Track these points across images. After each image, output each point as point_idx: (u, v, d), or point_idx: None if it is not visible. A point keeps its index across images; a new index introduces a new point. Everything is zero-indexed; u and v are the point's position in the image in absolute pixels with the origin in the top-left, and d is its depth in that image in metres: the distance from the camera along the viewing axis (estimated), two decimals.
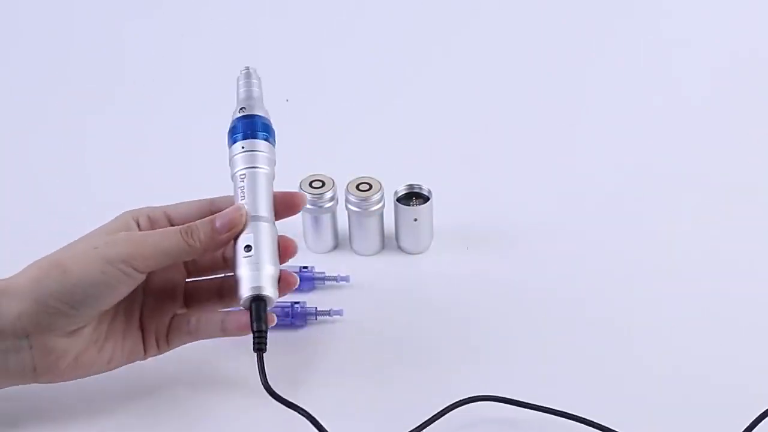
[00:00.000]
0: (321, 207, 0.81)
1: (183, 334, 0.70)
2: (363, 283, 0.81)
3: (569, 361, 0.74)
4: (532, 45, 1.12)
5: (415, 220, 0.82)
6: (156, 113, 1.02)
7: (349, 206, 0.82)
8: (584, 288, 0.80)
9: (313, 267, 0.80)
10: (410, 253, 0.84)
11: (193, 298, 0.71)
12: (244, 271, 0.66)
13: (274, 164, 0.72)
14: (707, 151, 0.96)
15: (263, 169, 0.70)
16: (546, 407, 0.68)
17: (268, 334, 0.68)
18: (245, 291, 0.66)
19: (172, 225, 0.68)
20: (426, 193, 0.82)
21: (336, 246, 0.85)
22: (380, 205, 0.82)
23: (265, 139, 0.72)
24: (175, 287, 0.70)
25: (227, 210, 0.67)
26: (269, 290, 0.66)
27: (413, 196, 0.83)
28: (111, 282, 0.63)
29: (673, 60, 1.09)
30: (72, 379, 0.67)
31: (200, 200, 0.70)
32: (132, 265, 0.63)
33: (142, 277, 0.65)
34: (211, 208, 0.69)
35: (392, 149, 0.97)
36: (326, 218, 0.83)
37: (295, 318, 0.77)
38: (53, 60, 1.11)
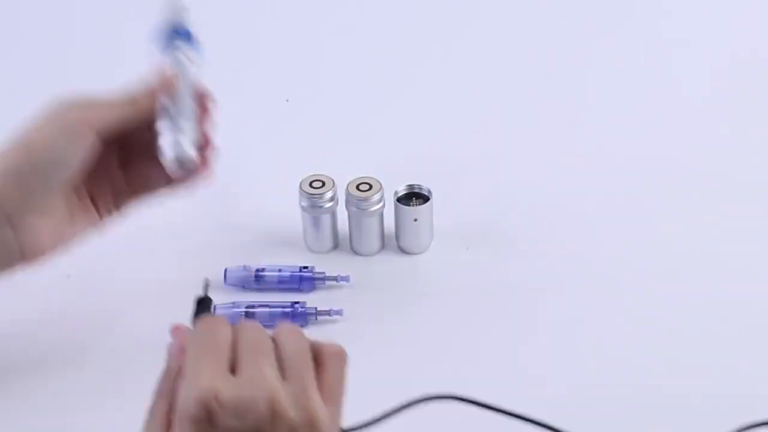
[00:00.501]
0: (321, 207, 0.81)
1: (126, 193, 0.72)
2: (363, 283, 0.81)
3: (568, 361, 0.74)
4: (532, 45, 1.12)
5: (415, 220, 0.82)
6: None
7: (350, 206, 0.82)
8: (583, 288, 0.80)
9: (313, 267, 0.80)
10: (410, 253, 0.84)
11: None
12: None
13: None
14: (708, 150, 0.96)
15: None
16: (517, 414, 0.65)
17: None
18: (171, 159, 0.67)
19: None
20: (426, 193, 0.82)
21: (336, 246, 0.85)
22: (380, 205, 0.82)
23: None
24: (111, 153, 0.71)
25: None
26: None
27: (413, 196, 0.83)
28: (74, 145, 0.67)
29: (673, 59, 1.09)
30: (52, 256, 0.69)
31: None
32: (91, 125, 0.67)
33: (100, 142, 0.67)
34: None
35: (392, 149, 0.97)
36: (326, 218, 0.83)
37: (296, 318, 0.77)
38: (52, 60, 1.11)
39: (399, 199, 0.82)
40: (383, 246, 0.85)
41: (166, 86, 0.68)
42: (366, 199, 0.81)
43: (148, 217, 0.87)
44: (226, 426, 0.50)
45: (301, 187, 0.82)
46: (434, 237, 0.85)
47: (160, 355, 0.73)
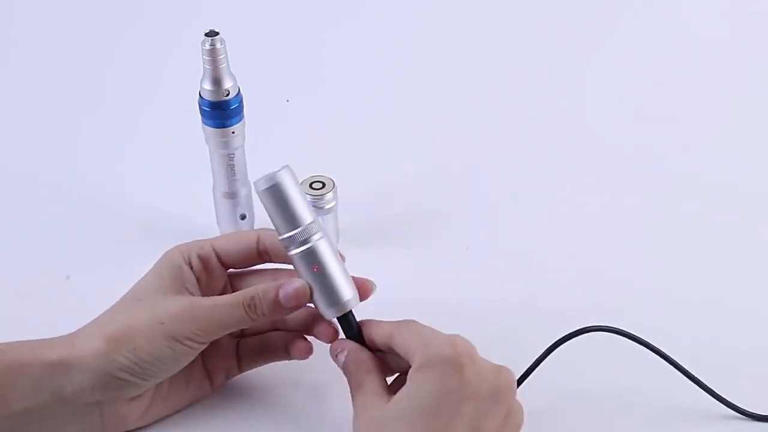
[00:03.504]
0: (322, 208, 0.81)
1: (250, 360, 0.71)
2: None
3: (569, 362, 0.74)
4: (532, 45, 1.12)
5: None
6: (154, 113, 1.02)
7: None
8: (579, 289, 0.80)
9: None
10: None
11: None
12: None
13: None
14: (699, 152, 0.96)
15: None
16: None
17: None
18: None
19: (222, 263, 0.68)
20: None
21: (337, 246, 0.85)
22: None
23: None
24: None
25: (291, 284, 0.64)
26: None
27: None
28: (178, 356, 0.64)
29: (672, 53, 1.09)
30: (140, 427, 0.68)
31: (247, 234, 0.69)
32: (198, 340, 0.64)
33: (202, 347, 0.65)
34: (258, 247, 0.68)
35: (392, 149, 0.97)
36: (327, 219, 0.83)
37: None
38: (50, 60, 1.11)
39: None
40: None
41: (299, 304, 0.65)
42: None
43: (148, 218, 0.87)
44: (470, 375, 0.59)
45: None
46: (433, 237, 0.85)
47: None
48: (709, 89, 1.05)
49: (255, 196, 0.84)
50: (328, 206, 0.82)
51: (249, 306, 0.64)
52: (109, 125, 1.01)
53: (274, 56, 1.10)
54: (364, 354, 0.65)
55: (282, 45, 1.12)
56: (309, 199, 0.81)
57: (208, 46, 0.73)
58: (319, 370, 0.70)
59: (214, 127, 0.77)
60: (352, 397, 0.63)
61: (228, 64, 0.74)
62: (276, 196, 0.64)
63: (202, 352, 0.66)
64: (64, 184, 0.93)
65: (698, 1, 1.15)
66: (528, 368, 0.69)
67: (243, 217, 0.83)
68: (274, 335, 0.71)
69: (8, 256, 0.84)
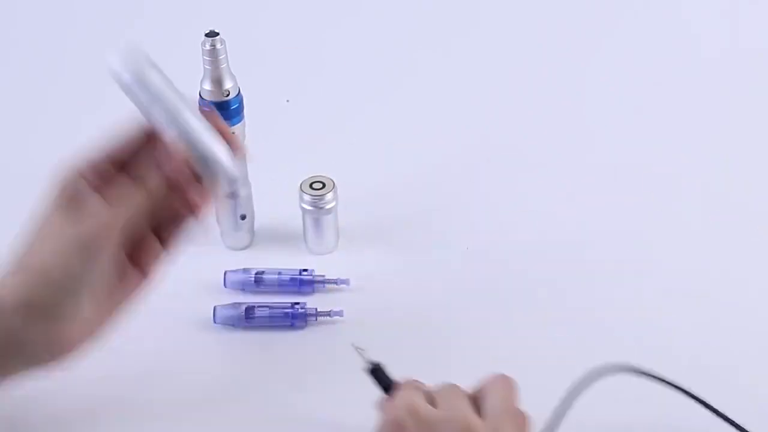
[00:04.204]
0: (322, 208, 0.81)
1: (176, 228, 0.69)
2: (363, 284, 0.81)
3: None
4: (532, 45, 1.12)
5: None
6: None
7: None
8: (583, 288, 0.80)
9: (312, 270, 0.80)
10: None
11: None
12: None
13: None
14: (700, 154, 0.96)
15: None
16: None
17: (270, 333, 0.70)
18: None
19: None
20: None
21: (337, 246, 0.85)
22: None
23: None
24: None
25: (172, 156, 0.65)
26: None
27: None
28: (93, 265, 0.63)
29: (672, 53, 1.09)
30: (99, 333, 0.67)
31: (130, 129, 0.69)
32: (107, 238, 0.63)
33: (120, 247, 0.65)
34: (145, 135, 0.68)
35: (392, 149, 0.97)
36: (327, 219, 0.83)
37: (296, 319, 0.77)
38: (50, 60, 1.11)
39: None
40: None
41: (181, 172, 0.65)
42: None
43: None
44: None
45: (301, 189, 0.82)
46: (432, 238, 0.85)
47: (159, 355, 0.73)
48: (709, 89, 1.05)
49: (255, 197, 0.84)
50: (328, 206, 0.82)
51: (139, 188, 0.64)
52: (109, 125, 1.01)
53: (274, 56, 1.10)
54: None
55: (282, 45, 1.12)
56: (308, 200, 0.81)
57: (208, 47, 0.73)
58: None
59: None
60: None
61: (228, 65, 0.74)
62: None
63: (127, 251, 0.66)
64: None
65: (698, 1, 1.15)
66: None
67: (243, 217, 0.83)
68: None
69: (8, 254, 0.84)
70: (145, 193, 0.65)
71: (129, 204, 0.65)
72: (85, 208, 0.64)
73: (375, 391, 0.66)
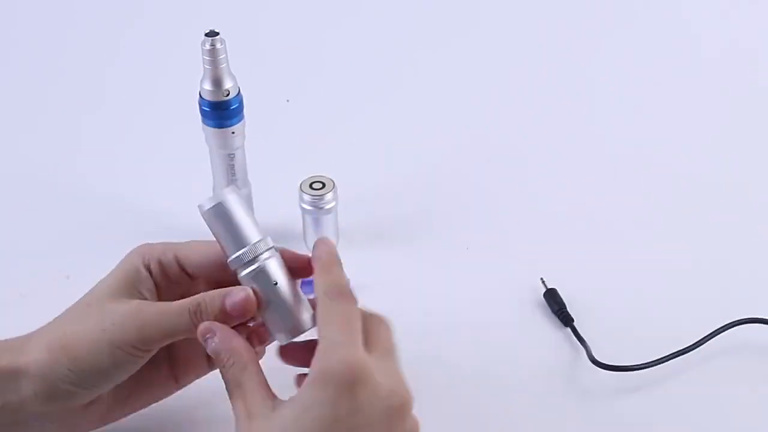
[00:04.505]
0: (322, 208, 0.81)
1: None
2: (363, 285, 0.81)
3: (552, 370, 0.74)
4: (532, 45, 1.12)
5: None
6: (154, 113, 1.02)
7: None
8: (581, 287, 0.80)
9: None
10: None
11: None
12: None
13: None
14: (701, 153, 0.96)
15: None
16: None
17: None
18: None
19: (185, 271, 0.65)
20: None
21: (337, 247, 0.85)
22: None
23: None
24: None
25: (239, 293, 0.61)
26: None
27: None
28: (120, 364, 0.61)
29: (672, 53, 1.09)
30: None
31: (214, 246, 0.64)
32: (140, 348, 0.61)
33: (149, 355, 0.62)
34: (226, 260, 0.63)
35: (392, 149, 0.97)
36: (327, 219, 0.83)
37: None
38: (50, 60, 1.11)
39: None
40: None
41: (246, 315, 0.61)
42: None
43: (148, 218, 0.87)
44: (363, 399, 0.55)
45: (301, 188, 0.82)
46: (431, 238, 0.85)
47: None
48: (709, 89, 1.05)
49: (255, 197, 0.84)
50: (328, 206, 0.82)
51: (195, 313, 0.60)
52: (109, 125, 1.01)
53: (274, 56, 1.10)
54: (240, 341, 0.60)
55: (282, 45, 1.12)
56: (308, 200, 0.81)
57: (208, 47, 0.73)
58: None
59: (214, 128, 0.76)
60: (230, 396, 0.59)
61: (228, 64, 0.74)
62: (219, 215, 0.61)
63: (169, 353, 0.65)
64: (64, 184, 0.92)
65: (698, 1, 1.15)
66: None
67: None
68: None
69: (8, 256, 0.84)
70: (194, 323, 0.61)
71: (176, 318, 0.61)
72: (136, 319, 0.61)
73: None
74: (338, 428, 0.55)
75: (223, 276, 0.63)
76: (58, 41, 1.13)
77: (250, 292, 0.61)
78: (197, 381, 0.68)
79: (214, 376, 0.62)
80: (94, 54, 1.11)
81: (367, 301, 0.79)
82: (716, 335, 0.74)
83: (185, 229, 0.86)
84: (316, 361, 0.56)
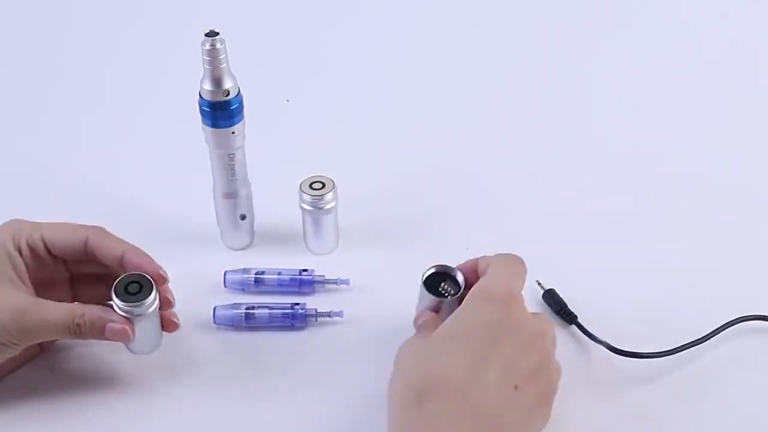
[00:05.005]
0: (321, 208, 0.81)
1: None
2: (363, 285, 0.81)
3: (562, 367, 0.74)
4: (532, 45, 1.12)
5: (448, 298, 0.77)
6: (154, 113, 1.02)
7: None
8: (581, 291, 0.80)
9: (312, 270, 0.80)
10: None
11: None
12: None
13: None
14: (702, 152, 0.96)
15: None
16: None
17: (270, 333, 0.71)
18: None
19: (51, 253, 0.70)
20: (454, 275, 0.72)
21: (337, 246, 0.85)
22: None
23: None
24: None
25: (118, 325, 0.67)
26: None
27: (442, 280, 0.73)
28: (3, 355, 0.67)
29: (673, 58, 1.09)
30: None
31: (78, 231, 0.70)
32: (18, 344, 0.66)
33: (19, 350, 0.67)
34: (86, 247, 0.70)
35: (392, 149, 0.97)
36: (327, 219, 0.83)
37: (296, 319, 0.77)
38: (50, 60, 1.11)
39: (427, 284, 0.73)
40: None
41: (120, 340, 0.68)
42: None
43: (148, 218, 0.87)
44: (516, 315, 0.64)
45: (301, 189, 0.81)
46: (429, 239, 0.85)
47: (159, 355, 0.73)
48: (709, 89, 1.05)
49: (255, 197, 0.84)
50: (328, 206, 0.82)
51: (74, 331, 0.66)
52: (109, 125, 1.01)
53: (274, 56, 1.10)
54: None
55: (282, 45, 1.12)
56: (308, 200, 0.81)
57: (208, 47, 0.73)
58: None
59: (213, 128, 0.76)
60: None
61: (228, 65, 0.74)
62: None
63: None
64: (64, 184, 0.92)
65: (698, 1, 1.15)
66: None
67: (243, 217, 0.83)
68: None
69: None
70: (73, 333, 0.66)
71: (56, 323, 0.66)
72: (17, 315, 0.66)
73: (374, 392, 0.66)
74: (490, 330, 0.62)
75: (83, 259, 0.70)
76: (58, 41, 1.13)
77: (128, 329, 0.67)
78: None
79: None
80: (94, 54, 1.11)
81: (367, 301, 0.80)
82: (719, 333, 0.74)
83: (186, 229, 0.86)
84: (480, 279, 0.66)
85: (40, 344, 0.72)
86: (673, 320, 0.76)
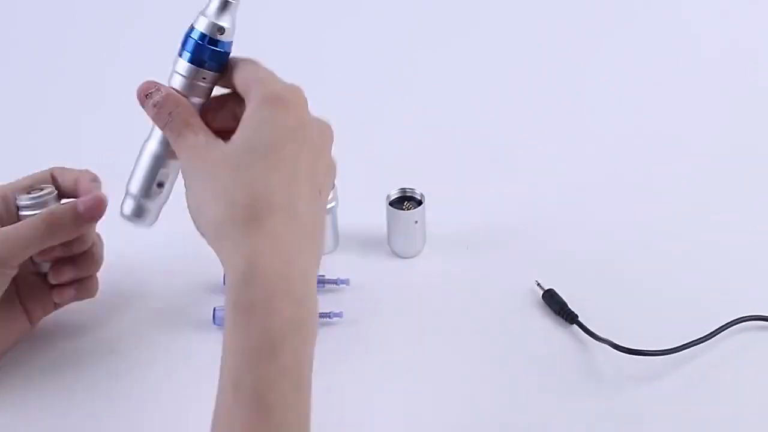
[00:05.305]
0: None
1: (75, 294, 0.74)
2: (363, 286, 0.81)
3: (564, 366, 0.74)
4: (532, 45, 1.12)
5: (416, 222, 0.82)
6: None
7: None
8: (579, 289, 0.80)
9: None
10: (403, 258, 0.84)
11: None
12: None
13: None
14: (703, 152, 0.96)
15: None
16: None
17: None
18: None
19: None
20: (419, 197, 0.82)
21: (336, 247, 0.85)
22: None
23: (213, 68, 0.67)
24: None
25: (90, 198, 0.69)
26: None
27: (405, 200, 0.82)
28: None
29: (673, 58, 1.09)
30: None
31: (41, 174, 0.74)
32: (5, 265, 0.67)
33: (14, 271, 0.68)
34: (54, 182, 0.73)
35: (392, 149, 0.97)
36: (327, 219, 0.83)
37: None
38: (50, 60, 1.11)
39: (392, 203, 0.82)
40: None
41: (97, 216, 0.70)
42: None
43: None
44: (304, 116, 0.63)
45: None
46: (427, 240, 0.85)
47: (159, 354, 0.73)
48: (709, 89, 1.05)
49: None
50: (328, 206, 0.81)
51: (49, 222, 0.67)
52: (109, 125, 1.01)
53: (274, 56, 1.10)
54: (181, 97, 0.65)
55: (282, 45, 1.12)
56: None
57: None
58: None
59: (188, 62, 0.69)
60: (175, 138, 0.63)
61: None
62: None
63: (17, 291, 0.70)
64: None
65: (698, 1, 1.15)
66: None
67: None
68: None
69: None
70: (51, 232, 0.68)
71: (32, 230, 0.68)
72: None
73: (374, 392, 0.66)
74: (292, 135, 0.60)
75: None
76: (58, 41, 1.13)
77: (102, 194, 0.70)
78: None
79: None
80: (94, 54, 1.11)
81: (366, 302, 0.80)
82: (721, 332, 0.75)
83: (186, 229, 0.86)
84: (257, 87, 0.62)
85: (29, 317, 0.72)
86: (673, 320, 0.76)
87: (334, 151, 0.95)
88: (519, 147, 0.97)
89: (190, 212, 0.60)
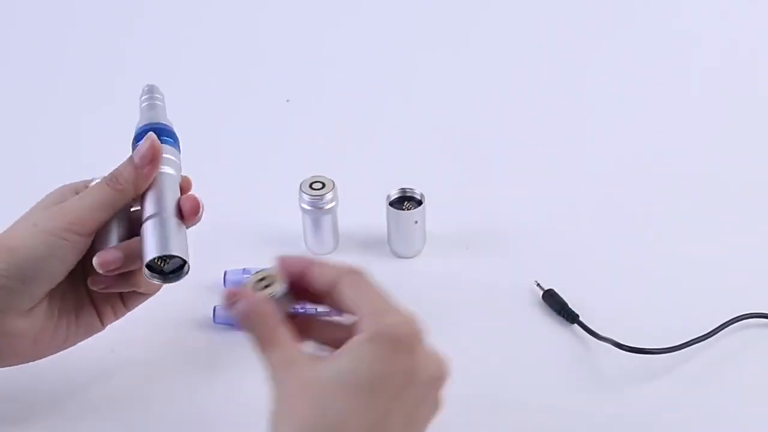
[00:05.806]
0: (321, 208, 0.81)
1: (139, 295, 0.71)
2: None
3: (566, 366, 0.74)
4: (532, 45, 1.12)
5: (416, 222, 0.82)
6: None
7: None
8: (579, 290, 0.80)
9: None
10: (403, 258, 0.84)
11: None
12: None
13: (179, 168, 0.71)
14: (703, 152, 0.96)
15: (169, 171, 0.70)
16: None
17: None
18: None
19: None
20: (419, 197, 0.82)
21: (336, 247, 0.85)
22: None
23: (171, 145, 0.71)
24: None
25: (140, 144, 0.69)
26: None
27: (405, 200, 0.82)
28: (58, 253, 0.65)
29: (673, 58, 1.09)
30: (31, 361, 0.68)
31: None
32: (73, 230, 0.66)
33: (87, 241, 0.66)
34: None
35: (392, 149, 0.97)
36: (326, 219, 0.83)
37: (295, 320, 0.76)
38: (50, 60, 1.11)
39: (392, 203, 0.82)
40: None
41: (155, 158, 0.68)
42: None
43: None
44: (418, 362, 0.57)
45: (301, 189, 0.81)
46: (426, 240, 0.85)
47: (158, 354, 0.73)
48: (709, 89, 1.05)
49: (255, 197, 0.84)
50: (328, 206, 0.82)
51: (111, 181, 0.67)
52: (109, 125, 1.01)
53: (274, 56, 1.10)
54: (269, 305, 0.60)
55: (282, 45, 1.12)
56: (308, 200, 0.81)
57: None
58: None
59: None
60: (263, 349, 0.58)
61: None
62: None
63: (84, 286, 0.68)
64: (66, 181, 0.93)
65: (698, 1, 1.15)
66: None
67: None
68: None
69: None
70: (114, 188, 0.67)
71: (96, 193, 0.67)
72: (63, 206, 0.67)
73: None
74: (394, 382, 0.56)
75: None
76: (59, 41, 1.13)
77: (153, 136, 0.69)
78: None
79: None
80: (95, 54, 1.11)
81: None
82: (722, 330, 0.75)
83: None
84: (371, 318, 0.57)
85: (99, 315, 0.70)
86: (674, 318, 0.76)
87: (335, 151, 0.96)
88: (519, 147, 0.97)
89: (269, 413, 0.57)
